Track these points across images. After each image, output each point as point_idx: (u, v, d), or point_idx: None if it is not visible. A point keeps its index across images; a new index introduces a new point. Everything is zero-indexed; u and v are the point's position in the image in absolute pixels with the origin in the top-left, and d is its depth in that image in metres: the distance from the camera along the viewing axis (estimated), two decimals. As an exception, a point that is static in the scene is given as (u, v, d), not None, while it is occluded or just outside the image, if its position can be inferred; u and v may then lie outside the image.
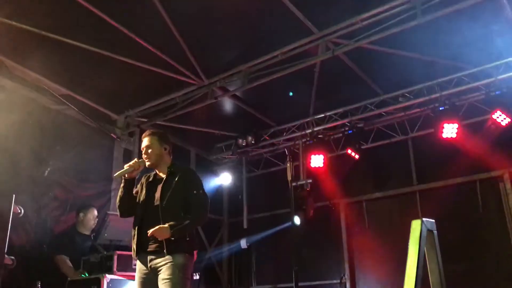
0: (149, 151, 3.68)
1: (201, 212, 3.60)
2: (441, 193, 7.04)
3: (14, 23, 5.07)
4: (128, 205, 3.70)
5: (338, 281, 7.51)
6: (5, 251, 4.13)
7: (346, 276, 7.48)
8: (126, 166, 3.65)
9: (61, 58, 5.77)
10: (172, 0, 5.08)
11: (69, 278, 4.88)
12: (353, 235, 7.71)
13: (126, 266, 4.81)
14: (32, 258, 5.37)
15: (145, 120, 7.37)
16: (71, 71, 6.11)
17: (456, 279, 6.35)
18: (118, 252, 4.83)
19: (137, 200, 3.69)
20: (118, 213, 3.81)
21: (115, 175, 3.68)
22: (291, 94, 6.96)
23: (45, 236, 5.80)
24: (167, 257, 3.38)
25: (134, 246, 3.57)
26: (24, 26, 5.15)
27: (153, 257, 3.45)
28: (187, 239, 3.46)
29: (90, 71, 6.15)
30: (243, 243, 8.25)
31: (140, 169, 3.67)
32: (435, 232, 2.16)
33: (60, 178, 6.19)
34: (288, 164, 3.67)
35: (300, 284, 7.65)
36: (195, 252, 3.63)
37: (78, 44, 5.53)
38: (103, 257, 4.92)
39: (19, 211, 4.45)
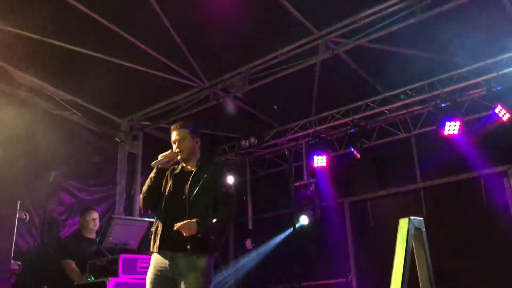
0: (182, 144, 3.57)
1: (230, 212, 3.52)
2: (445, 190, 7.04)
3: (16, 30, 5.12)
4: (154, 197, 3.55)
5: (344, 279, 7.51)
6: (11, 256, 4.18)
7: (352, 275, 7.49)
8: (160, 156, 3.55)
9: (63, 63, 5.83)
10: (172, 4, 5.11)
11: (75, 282, 4.92)
12: (358, 234, 7.71)
13: (131, 270, 4.84)
14: (38, 263, 5.42)
15: (148, 123, 7.41)
16: (73, 77, 6.16)
17: (461, 275, 6.38)
18: (123, 255, 4.86)
19: (162, 192, 3.54)
20: (141, 203, 3.73)
21: (152, 163, 3.57)
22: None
23: (51, 241, 5.86)
24: (190, 259, 3.25)
25: (157, 240, 3.37)
26: (26, 33, 5.20)
27: (176, 255, 3.30)
28: (212, 237, 3.35)
29: (91, 76, 6.17)
30: (249, 244, 8.28)
31: (174, 160, 3.59)
32: (424, 230, 2.18)
33: (65, 183, 6.25)
34: (288, 165, 3.65)
35: (306, 283, 7.74)
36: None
37: (79, 49, 5.58)
38: (108, 260, 4.96)
39: (25, 216, 4.50)
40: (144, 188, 3.60)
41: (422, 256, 2.12)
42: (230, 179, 7.84)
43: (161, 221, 3.43)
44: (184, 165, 3.62)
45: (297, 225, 7.36)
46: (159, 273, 3.33)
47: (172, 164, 3.64)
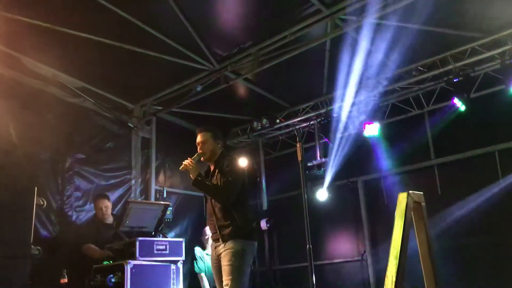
0: (204, 146, 4.05)
1: (221, 191, 3.88)
2: (460, 166, 6.99)
3: (27, 19, 5.17)
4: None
5: (359, 258, 7.56)
6: (31, 241, 4.29)
7: (366, 254, 7.52)
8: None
9: (75, 51, 5.86)
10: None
11: (94, 266, 5.04)
12: (372, 213, 7.72)
13: (148, 252, 4.94)
14: (57, 247, 5.56)
15: (161, 108, 7.46)
16: (86, 64, 6.21)
17: (477, 250, 6.37)
18: (140, 238, 4.96)
19: None
20: None
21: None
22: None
23: (70, 226, 5.99)
24: (226, 244, 3.73)
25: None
26: (37, 22, 5.24)
27: (217, 244, 3.84)
28: (239, 224, 3.75)
29: (103, 63, 6.24)
30: (263, 224, 8.36)
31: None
32: (423, 204, 2.19)
33: (81, 169, 6.36)
34: (297, 145, 3.69)
35: (321, 262, 7.82)
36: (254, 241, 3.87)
37: (91, 37, 5.61)
38: (126, 244, 5.07)
39: (42, 203, 4.60)
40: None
41: (422, 230, 2.15)
42: (241, 164, 8.00)
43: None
44: (209, 165, 4.15)
45: (313, 202, 7.45)
46: (215, 263, 3.89)
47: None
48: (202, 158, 4.05)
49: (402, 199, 2.12)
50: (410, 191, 2.11)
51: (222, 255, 3.73)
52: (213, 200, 3.95)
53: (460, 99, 6.25)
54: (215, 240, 3.91)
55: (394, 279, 1.84)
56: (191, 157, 4.01)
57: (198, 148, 4.07)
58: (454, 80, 6.32)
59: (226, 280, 3.61)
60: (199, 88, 6.74)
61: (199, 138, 4.09)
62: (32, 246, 4.35)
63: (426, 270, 2.17)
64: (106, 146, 6.87)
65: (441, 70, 6.44)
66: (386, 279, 1.90)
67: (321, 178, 7.74)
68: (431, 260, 2.12)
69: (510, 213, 6.32)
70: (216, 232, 3.86)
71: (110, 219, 5.78)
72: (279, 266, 8.69)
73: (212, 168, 4.11)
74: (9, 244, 4.10)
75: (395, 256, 1.90)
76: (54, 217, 5.84)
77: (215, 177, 3.98)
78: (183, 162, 3.93)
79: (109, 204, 5.84)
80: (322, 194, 7.69)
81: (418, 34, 5.84)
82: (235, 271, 3.60)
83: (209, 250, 6.49)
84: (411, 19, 5.61)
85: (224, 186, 3.86)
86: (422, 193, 2.21)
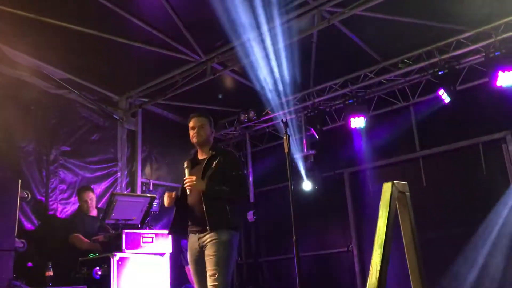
0: (201, 130, 3.83)
1: (240, 190, 3.77)
2: (444, 158, 7.06)
3: (10, 9, 5.08)
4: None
5: (345, 249, 7.62)
6: (15, 234, 4.25)
7: (353, 245, 7.58)
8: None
9: (59, 42, 5.80)
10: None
11: (80, 259, 5.01)
12: (359, 204, 7.78)
13: (134, 244, 4.94)
14: (43, 240, 5.51)
15: (147, 100, 7.41)
16: (70, 55, 6.14)
17: (460, 241, 6.46)
18: (126, 231, 4.95)
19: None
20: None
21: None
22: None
23: (54, 219, 5.94)
24: (212, 234, 3.56)
25: (178, 225, 3.80)
26: (21, 12, 5.16)
27: (201, 235, 3.63)
28: (229, 216, 3.61)
29: (88, 54, 6.18)
30: (251, 216, 8.39)
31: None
32: (408, 193, 2.21)
33: (66, 162, 6.30)
34: (284, 137, 3.68)
35: (308, 253, 7.86)
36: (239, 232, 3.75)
37: (75, 27, 5.54)
38: (112, 236, 5.05)
39: (26, 195, 4.56)
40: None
41: (406, 219, 2.17)
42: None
43: (187, 207, 3.75)
44: (199, 153, 3.92)
45: (299, 194, 7.48)
46: (196, 254, 3.68)
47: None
48: (194, 140, 3.84)
49: (386, 189, 2.14)
50: (394, 181, 2.13)
51: (208, 245, 3.56)
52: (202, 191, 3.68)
53: (446, 91, 6.30)
54: (199, 231, 3.66)
55: (378, 267, 1.86)
56: (186, 171, 3.79)
57: (193, 132, 3.84)
58: (440, 73, 6.37)
59: (212, 270, 3.48)
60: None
61: (194, 123, 3.85)
62: (16, 239, 4.31)
63: (410, 258, 2.20)
64: (92, 138, 6.81)
65: (427, 62, 6.49)
66: (371, 268, 1.92)
67: (308, 170, 7.77)
68: (415, 249, 2.14)
69: (492, 203, 6.41)
70: (202, 222, 3.63)
71: (94, 212, 5.75)
72: (266, 258, 8.73)
73: (201, 156, 3.88)
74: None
75: (379, 245, 1.92)
76: (38, 210, 5.78)
77: (210, 167, 3.74)
78: (186, 183, 3.67)
79: (93, 196, 5.80)
80: (307, 185, 7.73)
81: (403, 26, 5.87)
82: (223, 262, 3.49)
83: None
84: (397, 12, 5.64)
85: (243, 184, 3.82)
86: (406, 183, 2.23)
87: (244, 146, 8.99)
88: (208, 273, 3.50)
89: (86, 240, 5.30)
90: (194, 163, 3.87)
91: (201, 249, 3.63)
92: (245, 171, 3.95)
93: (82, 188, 5.89)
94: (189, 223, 3.76)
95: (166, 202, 3.77)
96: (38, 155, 5.96)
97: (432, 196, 6.83)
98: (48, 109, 6.17)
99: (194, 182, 3.61)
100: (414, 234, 2.14)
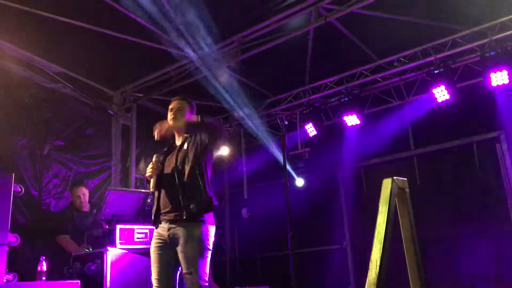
0: (178, 112, 3.59)
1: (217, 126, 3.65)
2: (438, 157, 7.11)
3: (3, 1, 5.03)
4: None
5: (339, 246, 7.64)
6: (8, 228, 4.22)
7: (346, 242, 7.61)
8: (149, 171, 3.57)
9: (54, 36, 5.76)
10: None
11: (73, 254, 4.99)
12: (352, 201, 7.80)
13: (128, 240, 4.91)
14: (36, 235, 5.48)
15: (141, 95, 7.38)
16: (65, 49, 6.10)
17: (455, 240, 6.51)
18: (120, 226, 4.92)
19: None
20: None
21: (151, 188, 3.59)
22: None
23: (47, 214, 5.91)
24: (185, 228, 3.28)
25: (153, 214, 3.52)
26: (14, 4, 5.11)
27: (172, 226, 3.34)
28: (206, 204, 3.34)
29: (83, 48, 6.14)
30: (244, 213, 8.39)
31: (165, 131, 3.55)
32: (407, 189, 2.22)
33: (60, 156, 6.26)
34: (280, 134, 3.67)
35: (302, 250, 7.88)
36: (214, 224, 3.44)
37: (69, 21, 5.50)
38: (105, 231, 5.02)
39: (19, 189, 4.51)
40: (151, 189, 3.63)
41: (406, 215, 2.18)
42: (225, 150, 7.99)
43: (156, 196, 3.54)
44: (175, 139, 3.67)
45: (291, 189, 7.47)
46: (161, 244, 3.41)
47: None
48: (171, 124, 3.55)
49: (386, 185, 2.14)
50: (394, 177, 2.13)
51: (182, 238, 3.27)
52: (178, 174, 3.42)
53: (442, 90, 6.31)
54: (170, 220, 3.36)
55: (378, 263, 1.86)
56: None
57: (170, 115, 3.59)
58: (435, 72, 6.39)
59: (187, 268, 3.21)
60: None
61: (173, 105, 3.63)
62: (9, 233, 4.27)
63: (409, 254, 2.21)
64: (86, 133, 6.78)
65: (422, 61, 6.51)
66: (370, 263, 1.92)
67: (302, 167, 7.78)
68: (414, 245, 2.15)
69: (486, 202, 6.45)
70: (176, 210, 3.34)
71: (87, 207, 5.72)
72: (260, 255, 8.73)
73: (178, 141, 3.64)
74: (-14, 231, 4.03)
75: (379, 240, 1.92)
76: (32, 205, 5.75)
77: (183, 150, 3.50)
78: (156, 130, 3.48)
79: (86, 192, 5.75)
80: (300, 182, 7.76)
81: (400, 24, 5.89)
82: (199, 259, 3.22)
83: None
84: (393, 10, 5.65)
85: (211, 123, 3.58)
86: (406, 179, 2.23)
87: (239, 143, 8.98)
88: (184, 271, 3.24)
89: (73, 244, 5.24)
90: (168, 151, 3.66)
91: (171, 240, 3.34)
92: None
93: (75, 184, 5.83)
94: (156, 208, 3.51)
95: (148, 172, 3.52)
96: (32, 149, 5.92)
97: (426, 194, 6.86)
98: (42, 103, 6.13)
99: (169, 123, 3.48)
100: (413, 230, 2.15)
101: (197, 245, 3.26)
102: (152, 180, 3.55)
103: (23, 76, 5.97)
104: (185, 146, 3.51)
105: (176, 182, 3.40)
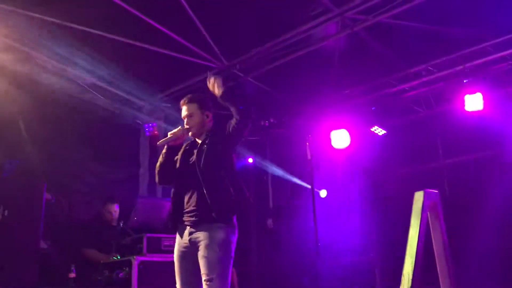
0: (190, 120, 3.43)
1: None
2: (469, 167, 6.95)
3: (38, 15, 5.20)
4: (167, 172, 3.48)
5: (366, 258, 7.54)
6: (40, 235, 4.32)
7: (374, 253, 7.51)
8: (169, 134, 3.43)
9: (85, 47, 5.89)
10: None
11: (101, 261, 5.06)
12: (380, 212, 7.69)
13: (156, 248, 4.95)
14: (66, 242, 5.58)
15: (169, 105, 7.48)
16: (95, 60, 6.23)
17: (489, 250, 6.33)
18: (148, 234, 4.97)
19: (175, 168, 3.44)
20: (156, 179, 3.57)
21: (158, 142, 3.45)
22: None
23: (77, 221, 6.02)
24: (205, 231, 3.13)
25: (171, 217, 3.37)
26: (49, 18, 5.28)
27: (193, 230, 3.20)
28: (232, 206, 3.20)
29: (113, 60, 6.25)
30: (270, 222, 8.37)
31: (184, 137, 3.46)
32: (439, 202, 2.17)
33: (90, 164, 6.38)
34: (307, 144, 3.65)
35: (327, 260, 7.79)
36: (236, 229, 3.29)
37: (100, 33, 5.64)
38: (133, 239, 5.08)
39: (51, 198, 4.63)
40: (157, 164, 3.52)
41: (438, 229, 2.13)
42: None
43: (177, 197, 3.38)
44: (196, 140, 3.50)
45: (319, 200, 7.46)
46: (184, 249, 3.27)
47: (186, 141, 3.55)
48: (190, 133, 3.44)
49: (418, 197, 2.10)
50: (426, 190, 2.10)
51: (202, 243, 3.12)
52: (200, 172, 3.23)
53: (473, 99, 6.20)
54: (190, 224, 3.22)
55: (410, 276, 1.82)
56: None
57: (185, 123, 3.45)
58: (464, 81, 6.28)
59: (207, 275, 3.03)
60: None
61: (184, 111, 3.46)
62: (41, 241, 4.38)
63: (441, 269, 2.16)
64: (115, 142, 6.89)
65: (451, 70, 6.40)
66: (402, 277, 1.89)
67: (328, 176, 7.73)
68: (447, 260, 2.10)
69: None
70: (196, 212, 3.21)
71: (116, 222, 5.77)
72: (285, 264, 8.67)
73: (200, 140, 3.45)
74: (19, 239, 4.14)
75: (411, 254, 1.88)
76: (62, 212, 5.87)
77: (202, 148, 3.32)
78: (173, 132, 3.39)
79: (118, 210, 5.77)
80: (324, 193, 7.70)
81: (428, 33, 5.82)
82: (221, 265, 3.06)
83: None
84: (421, 19, 5.59)
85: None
86: (437, 191, 2.19)
87: (264, 152, 8.98)
88: (204, 277, 3.06)
89: (100, 255, 5.31)
90: (190, 148, 3.47)
91: (192, 245, 3.20)
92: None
93: (109, 199, 5.82)
94: (174, 211, 3.35)
95: (167, 138, 3.39)
96: (63, 158, 6.04)
97: (455, 206, 6.71)
98: (73, 112, 6.27)
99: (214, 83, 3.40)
100: (445, 244, 2.10)
101: (218, 250, 3.08)
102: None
103: (55, 87, 6.13)
104: (207, 143, 3.35)
105: (196, 182, 3.24)
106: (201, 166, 3.26)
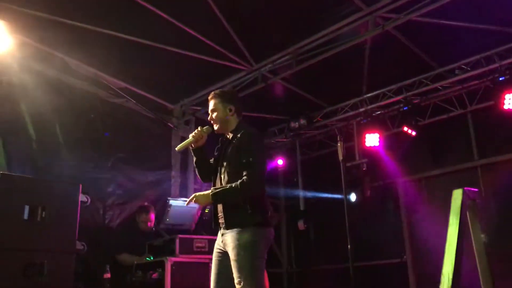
0: (214, 115, 3.43)
1: (248, 182, 3.12)
2: (504, 167, 6.76)
3: (69, 21, 5.33)
4: (204, 171, 3.55)
5: (399, 260, 7.41)
6: (76, 237, 4.42)
7: (406, 255, 7.38)
8: (190, 136, 3.44)
9: (117, 52, 6.00)
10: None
11: (135, 262, 5.14)
12: (412, 213, 7.57)
13: (188, 249, 5.01)
14: (101, 243, 5.69)
15: (199, 108, 7.55)
16: (127, 65, 6.35)
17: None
18: (180, 235, 5.03)
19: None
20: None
21: (177, 147, 3.53)
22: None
23: (111, 223, 6.14)
24: (233, 234, 3.12)
25: (213, 219, 3.39)
26: (81, 24, 5.41)
27: (224, 231, 3.23)
28: (249, 211, 3.12)
29: (144, 64, 6.36)
30: (301, 225, 8.34)
31: (205, 137, 3.45)
32: (478, 201, 2.11)
33: (123, 168, 6.49)
34: (338, 144, 3.60)
35: (359, 264, 7.69)
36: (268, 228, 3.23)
37: (131, 38, 5.74)
38: (166, 241, 5.16)
39: (86, 200, 4.73)
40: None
41: (477, 227, 2.07)
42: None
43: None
44: (225, 135, 3.50)
45: (351, 203, 7.35)
46: (218, 251, 3.30)
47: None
48: (215, 129, 3.44)
49: (457, 196, 2.05)
50: (465, 188, 2.04)
51: (231, 245, 3.11)
52: (222, 176, 3.29)
53: (510, 98, 6.02)
54: (222, 226, 3.25)
55: (450, 276, 1.77)
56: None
57: (209, 118, 3.49)
58: (500, 79, 6.12)
59: (236, 278, 3.02)
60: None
61: (209, 106, 3.48)
62: (77, 242, 4.48)
63: (482, 268, 2.10)
64: (147, 145, 7.00)
65: (486, 68, 6.25)
66: (442, 277, 1.85)
67: (358, 178, 7.62)
68: (487, 258, 2.04)
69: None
70: (225, 214, 3.21)
71: (150, 229, 5.85)
72: (316, 267, 8.63)
73: (227, 139, 3.45)
74: (55, 240, 4.24)
75: (451, 253, 1.82)
76: (97, 214, 5.98)
77: (228, 152, 3.32)
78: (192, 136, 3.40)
79: (153, 218, 5.85)
80: (354, 197, 7.58)
81: (461, 31, 5.70)
82: (246, 267, 3.02)
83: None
84: (453, 16, 5.48)
85: (251, 176, 3.13)
86: (477, 190, 2.14)
87: (294, 154, 8.95)
88: (235, 280, 3.05)
89: (134, 256, 5.39)
90: (220, 147, 3.49)
91: (222, 248, 3.24)
92: (258, 156, 3.23)
93: (146, 209, 5.88)
94: (214, 214, 3.38)
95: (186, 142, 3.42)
96: (97, 161, 6.16)
97: (491, 207, 6.54)
98: (107, 117, 6.39)
99: (197, 200, 3.27)
100: (485, 243, 2.05)
101: (243, 253, 3.05)
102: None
103: (88, 91, 6.27)
104: (230, 149, 3.34)
105: (221, 183, 3.30)
106: (223, 171, 3.31)
